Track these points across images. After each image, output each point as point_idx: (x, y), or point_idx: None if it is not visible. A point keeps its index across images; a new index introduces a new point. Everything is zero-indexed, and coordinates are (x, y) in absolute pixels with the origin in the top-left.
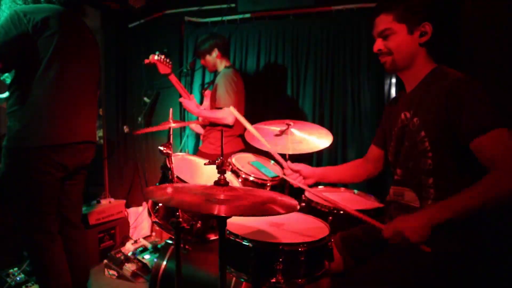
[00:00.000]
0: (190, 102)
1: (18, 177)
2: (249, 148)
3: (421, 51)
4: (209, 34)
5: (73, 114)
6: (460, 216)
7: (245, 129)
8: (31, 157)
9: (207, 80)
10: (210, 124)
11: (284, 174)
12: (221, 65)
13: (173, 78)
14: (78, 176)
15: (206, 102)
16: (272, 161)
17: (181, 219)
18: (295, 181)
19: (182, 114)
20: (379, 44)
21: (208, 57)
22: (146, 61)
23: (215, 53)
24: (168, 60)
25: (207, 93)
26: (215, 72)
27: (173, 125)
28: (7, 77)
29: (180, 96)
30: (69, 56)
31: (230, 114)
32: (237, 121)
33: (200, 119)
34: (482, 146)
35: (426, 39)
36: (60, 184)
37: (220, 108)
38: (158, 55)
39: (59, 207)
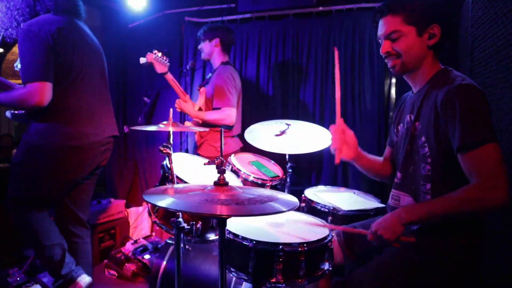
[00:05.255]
0: (187, 105)
1: (33, 171)
2: (249, 148)
3: (429, 53)
4: (217, 23)
5: (95, 114)
6: (429, 220)
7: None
8: (51, 156)
9: (206, 78)
10: (209, 125)
11: (330, 129)
12: (218, 58)
13: (169, 77)
14: (91, 175)
15: (201, 99)
16: (272, 161)
17: (181, 219)
18: (335, 146)
19: (182, 114)
20: (387, 47)
21: (207, 43)
22: (142, 60)
23: (215, 42)
24: (165, 58)
25: (202, 90)
26: (209, 63)
27: (171, 129)
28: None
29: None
30: (85, 59)
31: (229, 114)
32: (235, 120)
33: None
34: (467, 160)
35: (435, 41)
36: (71, 186)
37: (219, 109)
38: (155, 53)
39: (72, 204)
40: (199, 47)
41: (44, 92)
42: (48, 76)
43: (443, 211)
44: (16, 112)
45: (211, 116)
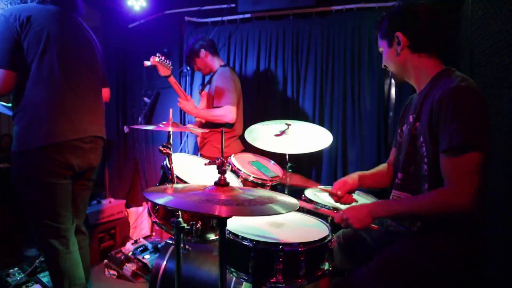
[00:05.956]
0: (188, 103)
1: (28, 180)
2: (249, 148)
3: (409, 57)
4: (192, 40)
5: (73, 110)
6: (398, 217)
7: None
8: (36, 159)
9: (207, 80)
10: (211, 126)
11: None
12: (215, 64)
13: (172, 80)
14: (85, 181)
15: (203, 103)
16: (272, 161)
17: (181, 219)
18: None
19: (182, 115)
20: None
21: (198, 60)
22: (146, 63)
23: (203, 53)
24: (168, 61)
25: (204, 93)
26: (211, 74)
27: (170, 129)
28: None
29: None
30: (62, 51)
31: (230, 111)
32: (236, 120)
33: (197, 119)
34: (445, 163)
35: (401, 47)
36: (71, 184)
37: (220, 107)
38: (159, 57)
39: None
40: (196, 70)
41: (4, 80)
42: (11, 65)
43: (411, 211)
44: (3, 104)
45: (212, 112)
